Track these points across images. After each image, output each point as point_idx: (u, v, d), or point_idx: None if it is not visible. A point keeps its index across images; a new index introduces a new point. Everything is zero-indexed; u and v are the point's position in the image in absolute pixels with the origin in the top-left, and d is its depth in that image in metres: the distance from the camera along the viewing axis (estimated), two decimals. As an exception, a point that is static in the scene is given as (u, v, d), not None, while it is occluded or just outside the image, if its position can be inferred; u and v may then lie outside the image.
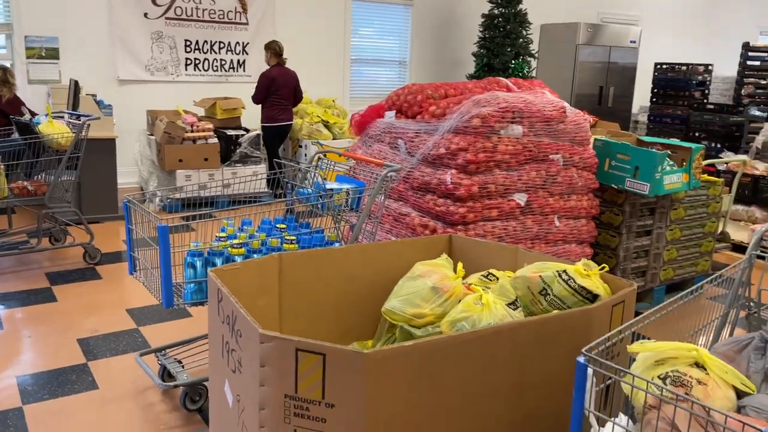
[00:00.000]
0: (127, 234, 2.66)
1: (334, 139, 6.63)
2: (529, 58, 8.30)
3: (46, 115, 4.21)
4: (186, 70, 6.87)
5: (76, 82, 5.56)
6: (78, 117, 4.59)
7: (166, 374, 2.73)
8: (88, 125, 4.17)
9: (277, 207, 3.09)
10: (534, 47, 8.43)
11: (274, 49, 6.13)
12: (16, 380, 2.81)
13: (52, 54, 6.15)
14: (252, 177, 5.99)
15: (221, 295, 1.91)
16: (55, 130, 4.08)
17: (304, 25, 7.54)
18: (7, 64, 5.92)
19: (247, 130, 6.29)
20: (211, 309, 2.01)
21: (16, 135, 5.18)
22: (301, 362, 1.60)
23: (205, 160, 5.84)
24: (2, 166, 4.10)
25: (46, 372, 2.89)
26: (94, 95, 5.78)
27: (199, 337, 2.97)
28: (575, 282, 2.03)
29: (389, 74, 8.57)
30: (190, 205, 5.68)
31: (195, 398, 2.60)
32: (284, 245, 2.69)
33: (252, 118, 6.56)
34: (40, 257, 4.42)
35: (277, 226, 2.89)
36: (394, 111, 3.53)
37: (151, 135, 6.19)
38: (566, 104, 3.38)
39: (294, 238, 2.73)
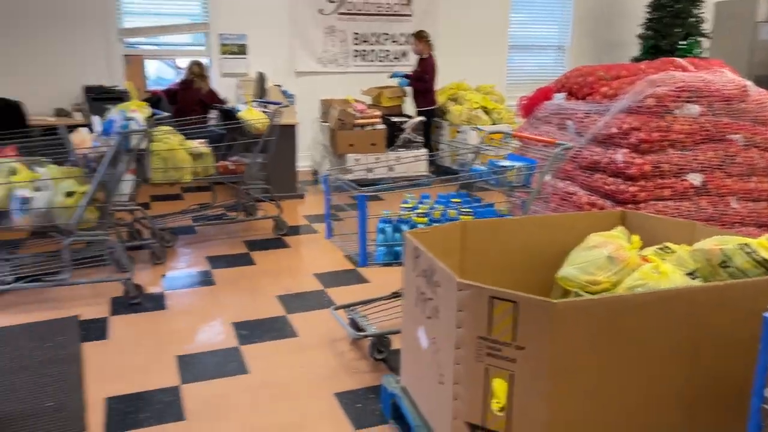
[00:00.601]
0: (326, 204, 3.06)
1: (493, 124, 6.79)
2: (700, 39, 7.84)
3: (245, 103, 4.82)
4: (354, 61, 7.37)
5: (262, 74, 6.23)
6: (266, 105, 5.18)
7: (354, 327, 3.11)
8: (281, 111, 4.71)
9: (442, 184, 3.35)
10: (706, 26, 7.94)
11: (427, 38, 6.60)
12: (233, 325, 3.34)
13: (242, 50, 6.92)
14: (414, 159, 6.33)
15: (418, 252, 2.20)
16: (254, 116, 4.67)
17: (465, 15, 7.74)
18: (205, 60, 6.77)
19: (410, 117, 6.65)
20: (406, 264, 2.31)
21: (211, 123, 5.94)
22: (495, 308, 1.84)
23: (373, 144, 6.28)
24: (210, 149, 4.76)
25: (255, 320, 3.39)
26: (279, 85, 6.43)
27: (379, 298, 3.32)
28: (759, 255, 2.07)
29: (546, 60, 8.53)
30: (358, 186, 6.14)
31: (381, 349, 2.94)
32: (461, 217, 2.95)
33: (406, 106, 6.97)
34: (237, 228, 5.08)
35: (452, 200, 3.15)
36: (564, 93, 3.64)
37: (325, 122, 6.75)
38: (749, 83, 3.29)
39: (470, 210, 2.97)
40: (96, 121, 3.90)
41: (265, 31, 6.97)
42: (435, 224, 2.87)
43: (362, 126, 6.25)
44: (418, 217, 2.84)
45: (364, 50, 7.41)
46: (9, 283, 3.59)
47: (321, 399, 2.66)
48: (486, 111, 6.85)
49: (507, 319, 1.84)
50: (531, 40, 8.34)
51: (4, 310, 3.45)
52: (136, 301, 3.59)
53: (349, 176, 6.24)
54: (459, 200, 3.17)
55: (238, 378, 2.82)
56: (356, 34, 7.34)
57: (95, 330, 3.26)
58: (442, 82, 7.06)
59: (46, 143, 3.82)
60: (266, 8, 6.93)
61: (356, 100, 6.60)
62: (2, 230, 3.59)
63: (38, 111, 6.04)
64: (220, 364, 2.93)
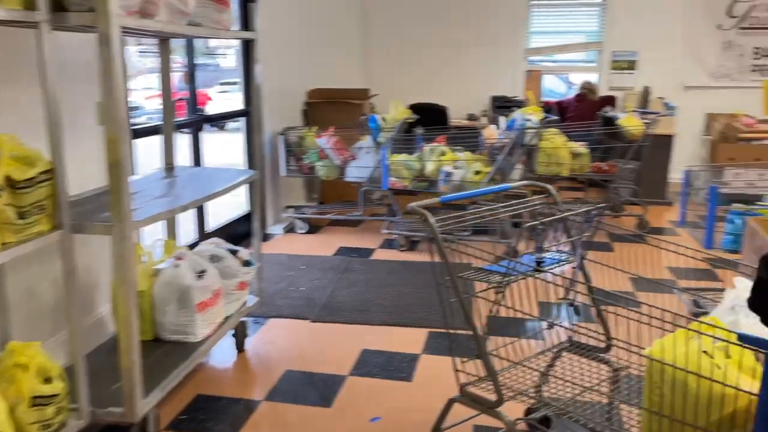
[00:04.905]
0: (683, 196, 3.52)
1: None
2: None
3: (625, 111, 5.41)
4: (751, 75, 7.15)
5: (647, 88, 6.67)
6: (645, 114, 5.65)
7: (694, 305, 3.49)
8: (658, 120, 5.16)
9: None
10: None
11: None
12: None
13: (631, 66, 7.43)
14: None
15: (754, 232, 2.58)
16: (631, 123, 5.23)
17: None
18: (594, 75, 7.52)
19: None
20: (747, 244, 2.70)
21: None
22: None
23: (757, 159, 6.12)
24: (588, 150, 5.50)
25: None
26: (662, 98, 6.78)
27: (718, 289, 3.60)
28: None
29: None
30: (733, 200, 6.08)
31: (717, 328, 3.28)
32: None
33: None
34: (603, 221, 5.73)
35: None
36: None
37: (706, 135, 6.79)
38: None
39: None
40: (501, 120, 5.03)
41: (657, 48, 7.33)
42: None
43: (747, 140, 6.15)
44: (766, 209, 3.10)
45: (764, 65, 7.12)
46: (424, 236, 4.98)
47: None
48: None
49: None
50: None
51: (423, 252, 4.85)
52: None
53: (726, 189, 6.22)
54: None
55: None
56: (757, 48, 7.11)
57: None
58: None
59: (464, 135, 5.12)
60: (660, 27, 7.29)
61: (746, 115, 6.48)
62: (431, 194, 5.00)
63: (456, 114, 7.64)
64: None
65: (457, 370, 2.09)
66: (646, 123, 5.26)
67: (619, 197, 5.74)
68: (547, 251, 2.09)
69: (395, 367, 3.04)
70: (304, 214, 5.46)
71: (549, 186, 2.24)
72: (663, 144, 6.24)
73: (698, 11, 7.16)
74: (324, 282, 4.18)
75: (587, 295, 2.17)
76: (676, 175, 7.17)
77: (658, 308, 1.63)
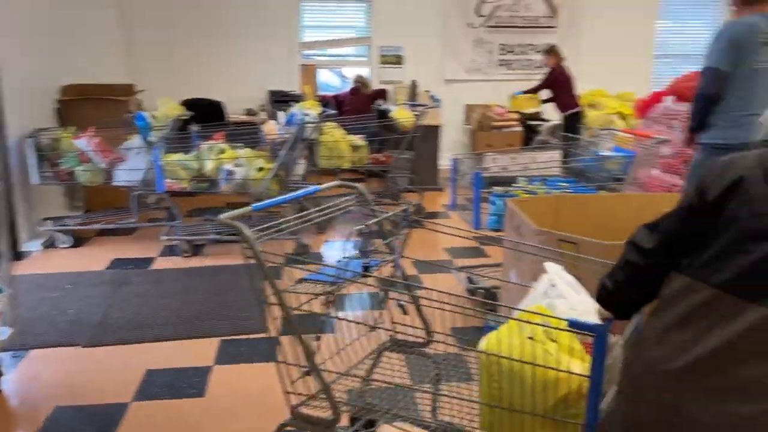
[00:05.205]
0: (452, 182, 3.79)
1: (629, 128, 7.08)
2: None
3: (397, 104, 5.69)
4: (499, 69, 8.02)
5: (415, 82, 7.11)
6: (414, 107, 6.02)
7: (468, 282, 3.80)
8: (426, 112, 5.52)
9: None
10: None
11: (554, 52, 6.84)
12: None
13: (398, 60, 7.86)
14: (548, 159, 6.82)
15: (513, 212, 2.86)
16: (403, 115, 5.52)
17: (609, 24, 8.03)
18: (366, 69, 7.82)
19: (546, 120, 7.15)
20: (507, 223, 2.98)
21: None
22: (561, 247, 2.45)
23: (509, 145, 6.88)
24: (366, 142, 5.69)
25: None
26: (428, 91, 7.28)
27: (488, 264, 3.97)
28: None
29: (697, 68, 8.51)
30: (494, 183, 6.77)
31: (488, 297, 3.61)
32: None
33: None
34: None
35: (559, 184, 3.73)
36: (673, 96, 4.05)
37: (467, 125, 7.46)
38: None
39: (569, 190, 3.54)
40: (281, 115, 4.97)
41: (419, 44, 7.84)
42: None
43: (500, 128, 6.88)
44: (523, 192, 3.47)
45: (509, 60, 8.03)
46: (209, 239, 4.75)
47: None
48: (622, 116, 7.15)
49: (571, 256, 2.44)
50: (679, 49, 8.42)
51: (209, 256, 4.61)
52: (302, 257, 4.57)
53: (486, 174, 6.89)
54: (567, 185, 3.75)
55: (375, 311, 3.63)
56: (502, 45, 7.98)
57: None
58: (584, 89, 7.41)
59: (244, 131, 4.95)
60: (420, 24, 7.81)
61: (496, 105, 7.24)
62: (212, 194, 4.77)
63: (233, 110, 7.39)
64: (363, 302, 3.78)
65: (287, 392, 1.87)
66: (416, 115, 5.59)
67: (397, 186, 6.04)
68: (370, 254, 2.07)
69: (185, 383, 2.82)
70: (66, 225, 4.86)
71: (359, 186, 2.21)
72: (431, 134, 6.70)
73: (452, 10, 7.81)
74: (96, 300, 3.75)
75: (407, 293, 2.19)
76: (444, 162, 7.76)
77: (472, 299, 1.70)
